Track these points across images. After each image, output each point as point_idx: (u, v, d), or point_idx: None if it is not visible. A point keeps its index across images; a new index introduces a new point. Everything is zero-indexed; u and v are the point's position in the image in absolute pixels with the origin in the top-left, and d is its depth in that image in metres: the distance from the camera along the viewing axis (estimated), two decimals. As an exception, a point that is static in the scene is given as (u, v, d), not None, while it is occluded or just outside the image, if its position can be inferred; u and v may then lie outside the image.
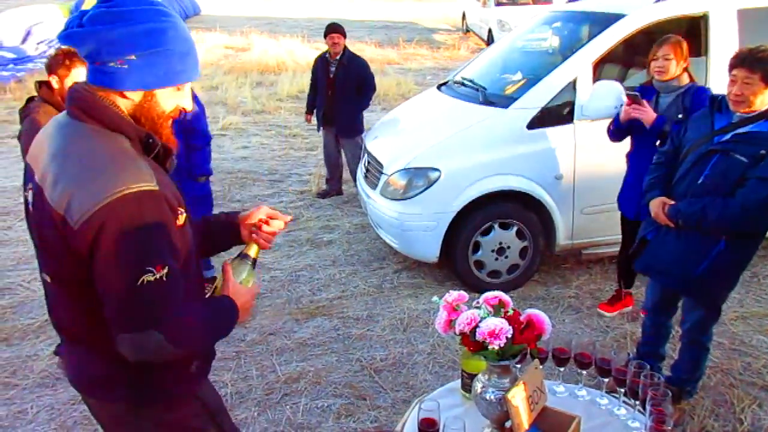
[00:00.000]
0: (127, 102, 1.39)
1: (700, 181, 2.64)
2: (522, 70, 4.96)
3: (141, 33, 1.33)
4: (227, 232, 1.76)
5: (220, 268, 1.63)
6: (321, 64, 5.84)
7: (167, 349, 1.35)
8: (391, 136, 4.87)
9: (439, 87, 5.24)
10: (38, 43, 13.90)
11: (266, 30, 18.73)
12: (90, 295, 1.34)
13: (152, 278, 1.29)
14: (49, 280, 1.45)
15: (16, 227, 5.25)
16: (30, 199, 1.43)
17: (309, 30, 19.46)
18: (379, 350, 3.64)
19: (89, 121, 1.37)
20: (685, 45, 3.31)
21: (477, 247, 4.17)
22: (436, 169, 4.03)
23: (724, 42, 4.09)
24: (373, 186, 4.45)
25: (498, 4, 16.81)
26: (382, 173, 4.33)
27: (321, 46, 16.27)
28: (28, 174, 1.46)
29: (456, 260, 4.21)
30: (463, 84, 4.88)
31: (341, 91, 5.69)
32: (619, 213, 3.75)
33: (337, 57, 5.68)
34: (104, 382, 1.51)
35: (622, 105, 3.41)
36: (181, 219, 1.43)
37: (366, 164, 4.79)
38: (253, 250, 1.69)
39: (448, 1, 31.97)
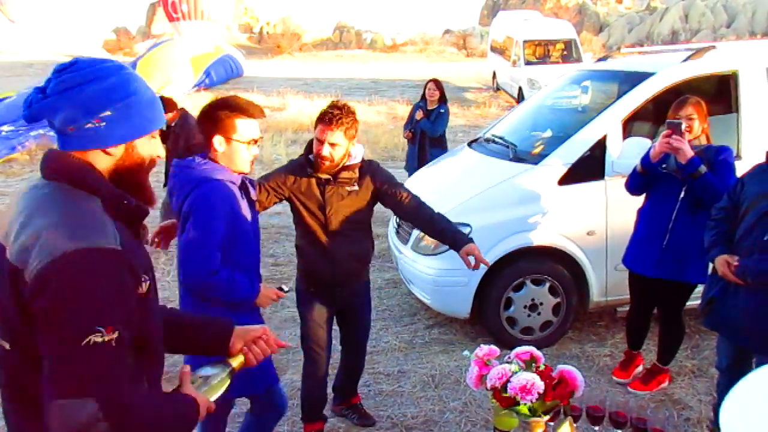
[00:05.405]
0: (108, 159, 1.39)
1: (766, 238, 2.61)
2: (552, 127, 5.03)
3: (109, 88, 1.34)
4: (217, 338, 1.65)
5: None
6: None
7: (99, 425, 1.18)
8: (422, 192, 4.92)
9: (469, 144, 5.33)
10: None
11: (301, 90, 19.34)
12: None
13: (100, 339, 1.19)
14: (7, 347, 1.32)
15: None
16: None
17: (342, 89, 20.04)
18: (410, 407, 3.60)
19: (64, 181, 1.35)
20: (704, 105, 3.34)
21: (509, 303, 4.14)
22: (467, 225, 4.05)
23: (755, 99, 4.14)
24: (405, 241, 4.49)
25: (528, 63, 17.18)
26: (414, 228, 4.37)
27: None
28: None
29: (488, 316, 4.18)
30: (493, 141, 4.95)
31: None
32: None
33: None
34: None
35: (649, 150, 3.39)
36: (144, 287, 1.36)
37: (397, 220, 4.85)
38: (237, 361, 1.61)
39: (479, 61, 32.61)
